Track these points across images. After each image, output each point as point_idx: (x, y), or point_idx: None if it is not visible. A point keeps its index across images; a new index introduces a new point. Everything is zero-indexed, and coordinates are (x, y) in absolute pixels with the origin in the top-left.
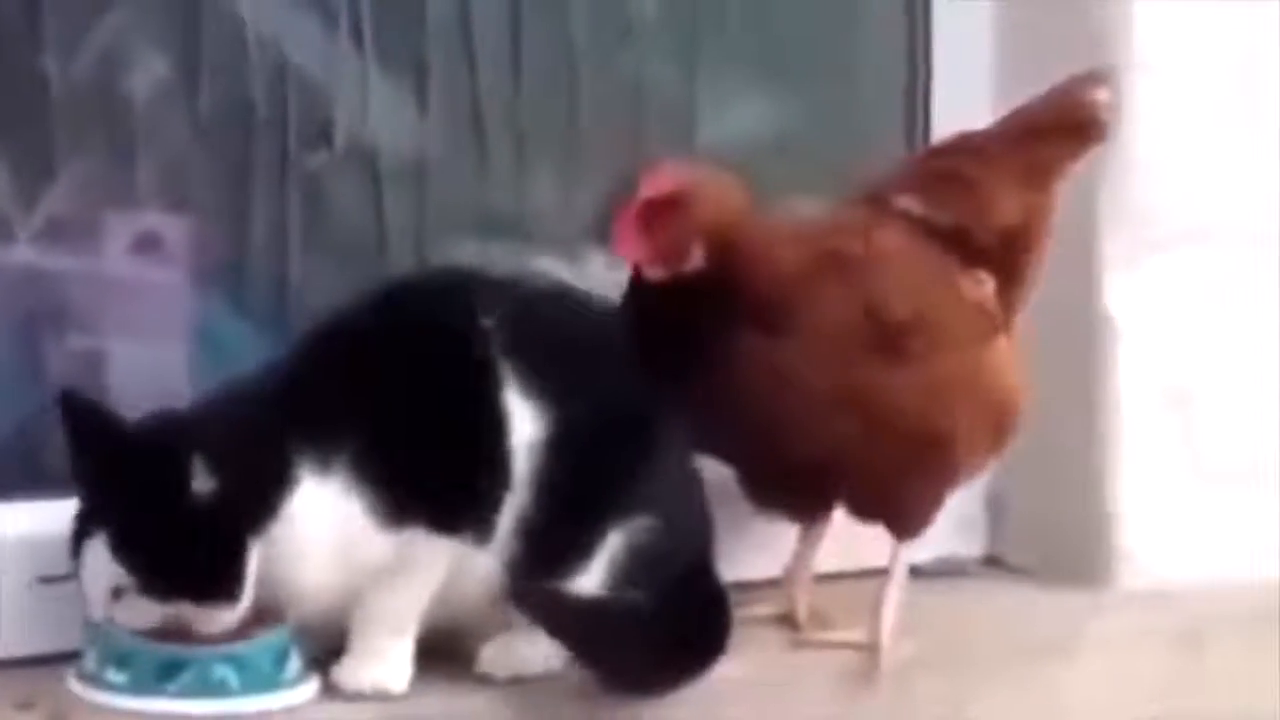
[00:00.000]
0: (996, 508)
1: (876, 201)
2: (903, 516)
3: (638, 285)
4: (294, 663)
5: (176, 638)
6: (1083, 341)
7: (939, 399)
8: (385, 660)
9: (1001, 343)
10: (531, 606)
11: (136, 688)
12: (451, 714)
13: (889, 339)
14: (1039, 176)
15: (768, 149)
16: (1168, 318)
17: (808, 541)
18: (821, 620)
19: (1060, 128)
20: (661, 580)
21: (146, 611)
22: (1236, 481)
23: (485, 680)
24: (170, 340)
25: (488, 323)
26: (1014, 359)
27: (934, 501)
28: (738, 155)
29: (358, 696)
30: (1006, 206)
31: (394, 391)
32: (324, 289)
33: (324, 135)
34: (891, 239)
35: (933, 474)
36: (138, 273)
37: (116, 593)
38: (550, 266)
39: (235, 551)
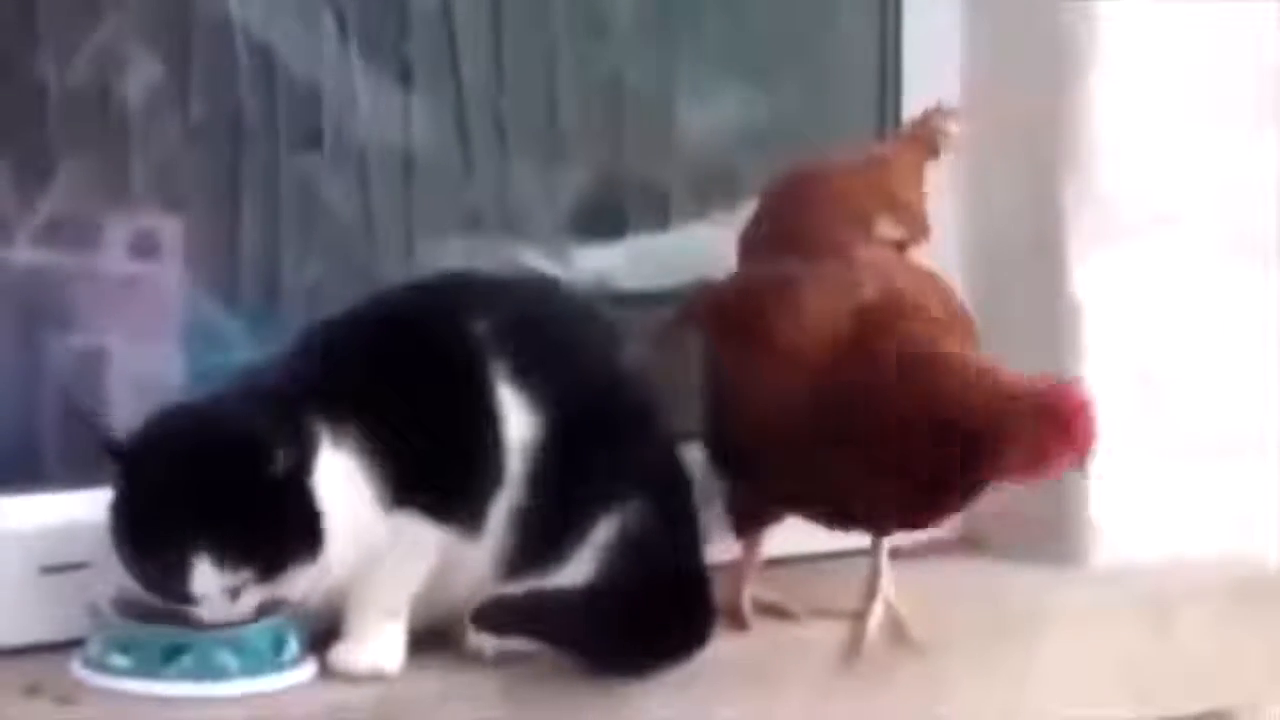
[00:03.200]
0: None
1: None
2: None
3: None
4: (292, 646)
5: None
6: (1051, 325)
7: None
8: (379, 642)
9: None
10: (493, 627)
11: (140, 671)
12: (444, 692)
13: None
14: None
15: (744, 142)
16: (1133, 301)
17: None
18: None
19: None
20: (649, 568)
21: (258, 595)
22: (1202, 459)
23: (475, 658)
24: (165, 338)
25: (481, 323)
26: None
27: None
28: (715, 148)
29: (353, 678)
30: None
31: (391, 385)
32: (314, 286)
33: (313, 136)
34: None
35: None
36: (134, 272)
37: (234, 593)
38: (534, 261)
39: (313, 513)
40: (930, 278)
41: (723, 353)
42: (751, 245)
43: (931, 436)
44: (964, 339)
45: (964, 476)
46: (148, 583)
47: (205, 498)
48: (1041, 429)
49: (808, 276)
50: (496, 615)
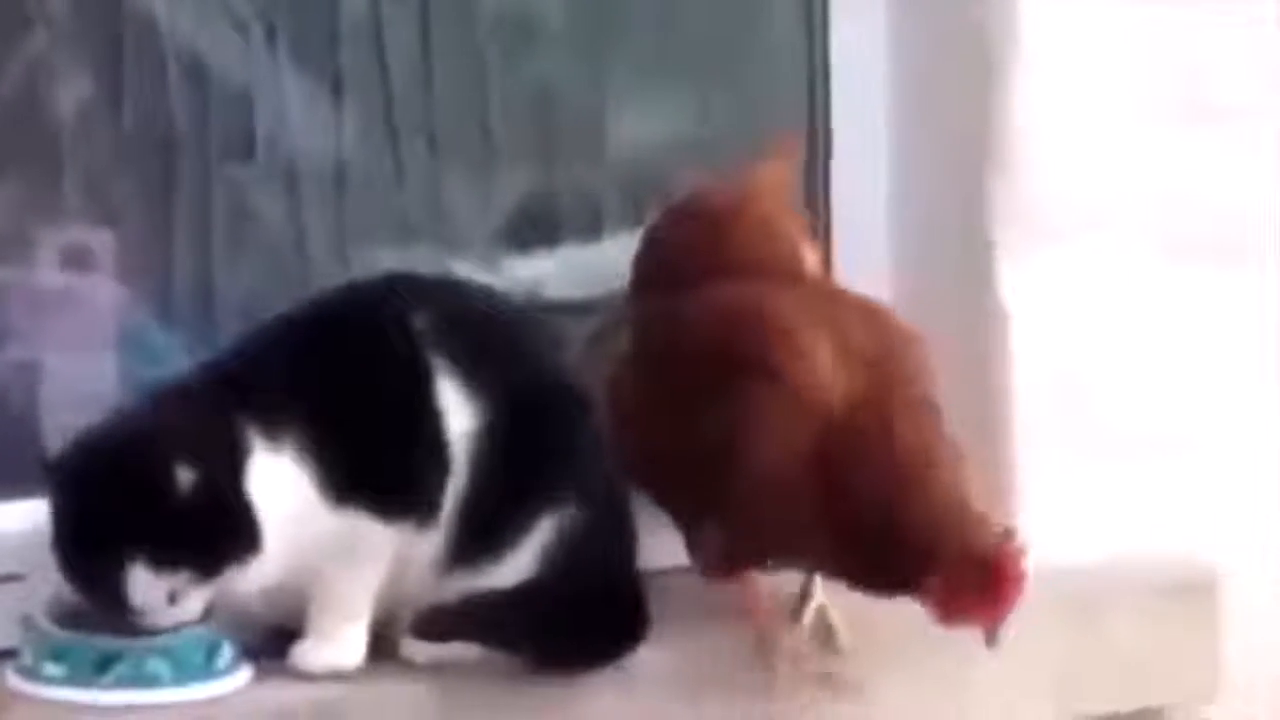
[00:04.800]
0: None
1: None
2: None
3: None
4: (226, 654)
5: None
6: (977, 330)
7: None
8: (339, 642)
9: None
10: (433, 635)
11: (73, 680)
12: (380, 698)
13: None
14: None
15: (675, 150)
16: (1061, 303)
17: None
18: None
19: None
20: (586, 566)
21: (200, 597)
22: (1131, 459)
23: (409, 665)
24: (99, 350)
25: (420, 322)
26: None
27: None
28: (646, 157)
29: (313, 677)
30: None
31: (334, 384)
32: (248, 296)
33: (244, 147)
34: None
35: None
36: (67, 285)
37: (173, 597)
38: (467, 271)
39: (248, 509)
40: (885, 312)
41: (705, 382)
42: (660, 269)
43: (888, 536)
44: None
45: (896, 579)
46: (90, 597)
47: (129, 508)
48: (976, 589)
49: (796, 308)
50: (436, 624)
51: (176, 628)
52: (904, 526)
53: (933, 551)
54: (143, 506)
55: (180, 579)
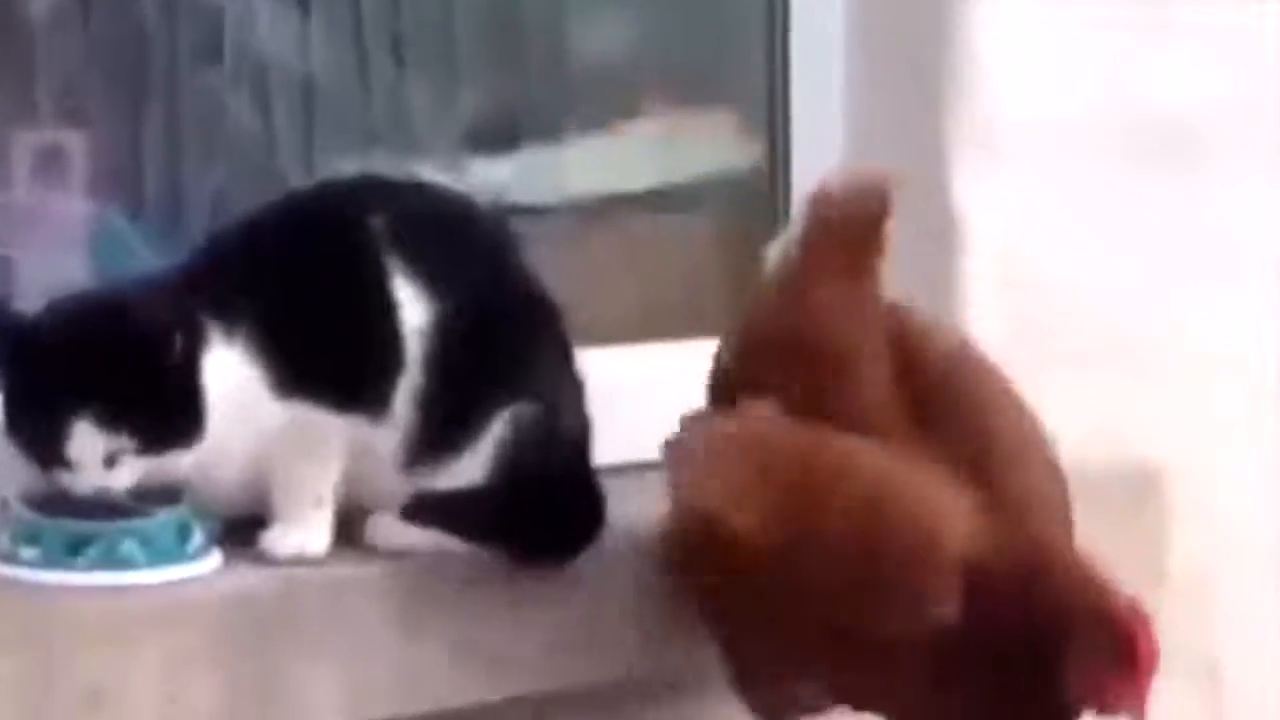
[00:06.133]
0: None
1: None
2: None
3: None
4: (197, 537)
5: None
6: (931, 240)
7: None
8: (305, 528)
9: None
10: (424, 520)
11: (48, 562)
12: (345, 582)
13: None
14: None
15: (635, 60)
16: (1013, 215)
17: None
18: None
19: None
20: (543, 463)
21: (135, 470)
22: (1080, 366)
23: (371, 551)
24: (72, 247)
25: (376, 218)
26: None
27: None
28: (607, 66)
29: (281, 562)
30: None
31: (286, 281)
32: (217, 198)
33: (213, 52)
34: None
35: None
36: (40, 185)
37: (110, 460)
38: (430, 173)
39: (199, 397)
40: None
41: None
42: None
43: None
44: None
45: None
46: (28, 446)
47: (92, 365)
48: (1112, 661)
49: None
50: (427, 509)
51: (104, 494)
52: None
53: (1066, 624)
54: (101, 364)
55: (121, 443)
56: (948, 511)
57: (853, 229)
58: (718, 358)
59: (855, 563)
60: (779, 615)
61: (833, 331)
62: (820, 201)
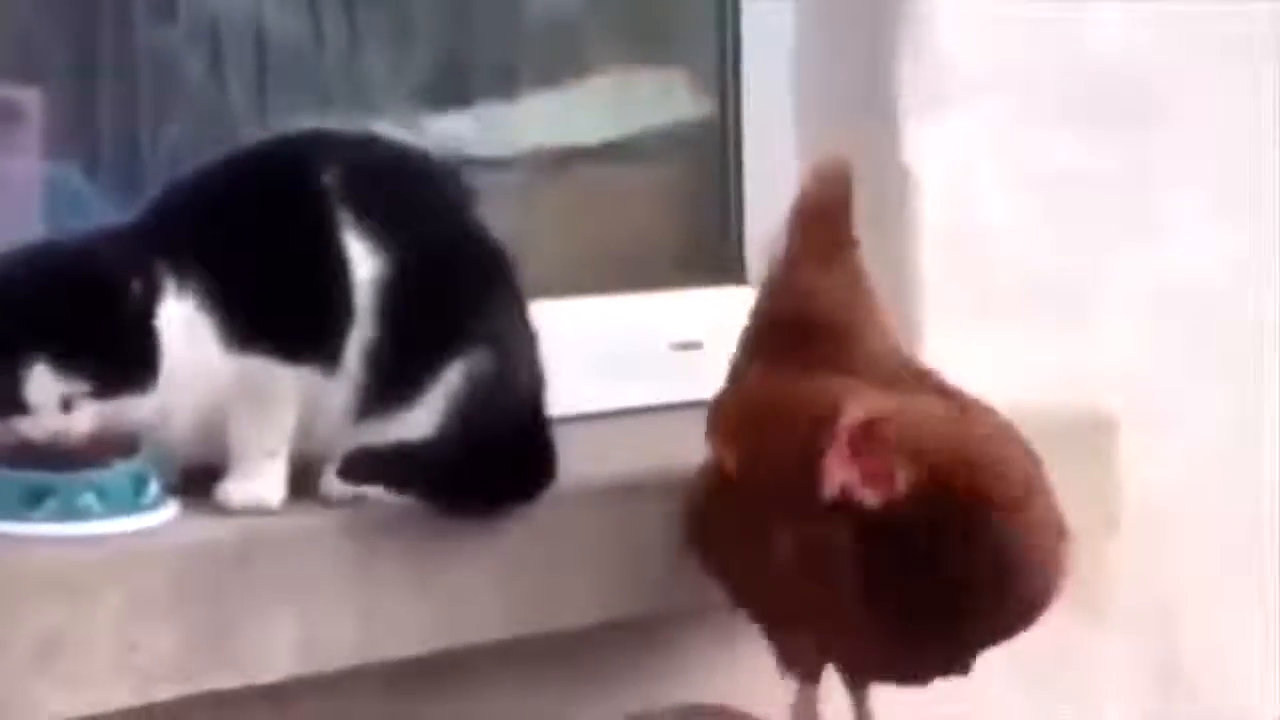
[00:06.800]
0: None
1: None
2: None
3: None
4: (152, 489)
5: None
6: (882, 191)
7: None
8: (260, 478)
9: None
10: (358, 477)
11: (7, 514)
12: (301, 531)
13: None
14: None
15: (588, 15)
16: (962, 166)
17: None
18: None
19: None
20: (495, 414)
21: (90, 416)
22: (1029, 316)
23: (326, 502)
24: (28, 204)
25: (327, 171)
26: None
27: None
28: (560, 22)
29: (236, 512)
30: None
31: (237, 235)
32: (171, 154)
33: (168, 9)
34: None
35: None
36: None
37: (66, 404)
38: (385, 128)
39: (154, 343)
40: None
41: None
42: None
43: None
44: None
45: None
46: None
47: (49, 310)
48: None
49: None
50: (363, 466)
51: (60, 439)
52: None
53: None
54: (58, 308)
55: (77, 387)
56: (865, 394)
57: (825, 212)
58: (745, 331)
59: (797, 458)
60: (750, 525)
61: (823, 305)
62: (798, 196)
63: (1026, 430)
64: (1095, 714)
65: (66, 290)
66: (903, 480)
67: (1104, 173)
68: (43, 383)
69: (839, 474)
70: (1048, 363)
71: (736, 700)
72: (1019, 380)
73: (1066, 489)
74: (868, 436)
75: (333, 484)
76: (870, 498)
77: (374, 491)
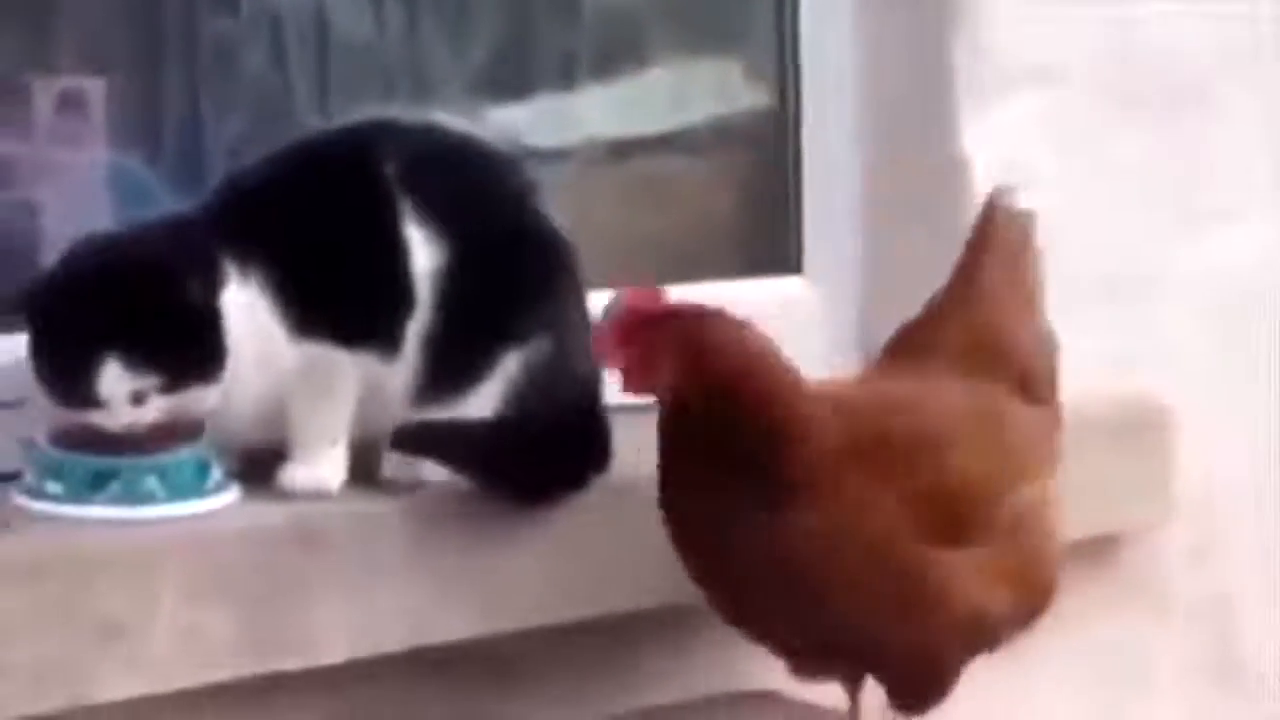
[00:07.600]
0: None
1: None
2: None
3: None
4: (215, 473)
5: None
6: (938, 179)
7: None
8: (320, 464)
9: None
10: (411, 448)
11: (71, 497)
12: (357, 516)
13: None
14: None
15: (647, 8)
16: (1018, 154)
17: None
18: None
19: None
20: (551, 402)
21: (160, 407)
22: (1085, 304)
23: (387, 487)
24: (93, 191)
25: (389, 160)
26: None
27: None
28: (617, 13)
29: (297, 497)
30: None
31: (300, 222)
32: (234, 144)
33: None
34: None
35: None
36: (63, 129)
37: (137, 398)
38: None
39: (221, 336)
40: None
41: None
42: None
43: None
44: None
45: None
46: (56, 389)
47: (118, 306)
48: None
49: None
50: (415, 437)
51: (130, 430)
52: None
53: None
54: (127, 304)
55: (148, 382)
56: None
57: (1011, 233)
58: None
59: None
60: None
61: (997, 307)
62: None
63: (1083, 419)
64: (1151, 707)
65: (137, 288)
66: (668, 374)
67: (1159, 162)
68: (115, 378)
69: (609, 358)
70: (1103, 352)
71: (785, 688)
72: (1075, 369)
73: (1124, 479)
74: (641, 325)
75: (391, 468)
76: (630, 386)
77: (430, 473)
